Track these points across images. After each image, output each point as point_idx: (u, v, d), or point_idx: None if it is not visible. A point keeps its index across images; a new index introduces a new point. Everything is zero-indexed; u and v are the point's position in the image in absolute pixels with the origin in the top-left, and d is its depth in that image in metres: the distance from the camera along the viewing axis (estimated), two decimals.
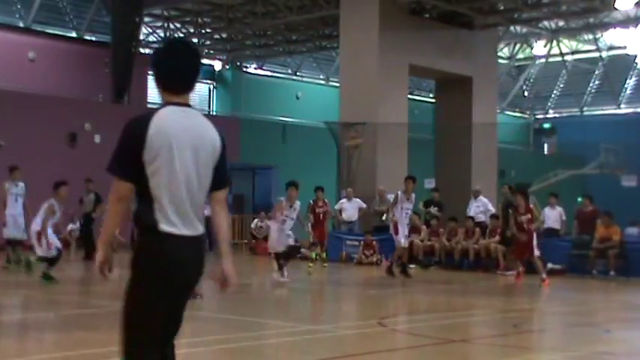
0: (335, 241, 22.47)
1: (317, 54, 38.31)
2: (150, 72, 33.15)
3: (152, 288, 3.75)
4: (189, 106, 3.99)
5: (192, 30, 33.21)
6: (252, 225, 25.65)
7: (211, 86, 37.14)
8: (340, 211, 23.11)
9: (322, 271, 18.66)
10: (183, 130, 3.86)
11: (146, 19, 32.09)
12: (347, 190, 23.69)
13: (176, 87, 3.97)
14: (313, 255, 18.89)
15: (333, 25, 29.43)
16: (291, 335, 9.63)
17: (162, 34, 33.31)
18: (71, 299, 13.03)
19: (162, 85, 4.04)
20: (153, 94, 33.78)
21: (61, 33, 30.84)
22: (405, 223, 17.29)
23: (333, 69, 38.58)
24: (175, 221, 3.77)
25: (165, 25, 32.85)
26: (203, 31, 33.37)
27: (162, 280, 3.74)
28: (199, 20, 32.55)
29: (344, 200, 23.44)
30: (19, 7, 29.75)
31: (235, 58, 37.33)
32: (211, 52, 36.49)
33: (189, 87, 4.01)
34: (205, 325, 10.17)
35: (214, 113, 36.33)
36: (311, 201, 18.64)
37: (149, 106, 32.39)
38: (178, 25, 33.33)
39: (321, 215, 18.47)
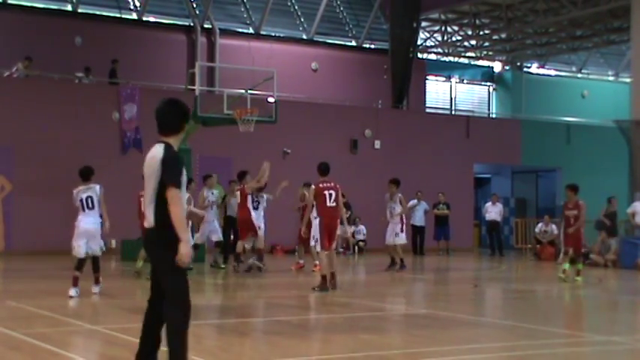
0: (628, 247, 20.88)
1: (604, 49, 36.34)
2: (427, 77, 33.25)
3: None
4: (166, 142, 6.34)
5: (469, 32, 32.68)
6: (537, 229, 24.55)
7: (490, 88, 36.32)
8: (633, 214, 21.52)
9: (612, 278, 17.35)
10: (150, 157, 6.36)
11: (423, 24, 32.06)
12: None
13: (159, 130, 6.38)
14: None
15: (623, 17, 27.93)
16: (580, 345, 8.98)
17: (439, 38, 33.12)
18: (356, 302, 13.04)
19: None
20: (431, 98, 33.78)
21: (341, 42, 31.69)
22: None
23: (624, 64, 36.50)
24: None
25: (443, 28, 32.62)
26: (481, 32, 32.72)
27: None
28: (477, 22, 31.96)
29: (637, 203, 21.77)
30: (302, 20, 31.01)
31: (515, 58, 36.29)
32: (490, 53, 35.76)
33: (163, 132, 6.35)
34: (491, 332, 9.93)
35: (494, 115, 35.50)
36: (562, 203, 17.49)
37: (427, 110, 32.40)
38: (456, 28, 32.95)
39: (572, 219, 16.18)
